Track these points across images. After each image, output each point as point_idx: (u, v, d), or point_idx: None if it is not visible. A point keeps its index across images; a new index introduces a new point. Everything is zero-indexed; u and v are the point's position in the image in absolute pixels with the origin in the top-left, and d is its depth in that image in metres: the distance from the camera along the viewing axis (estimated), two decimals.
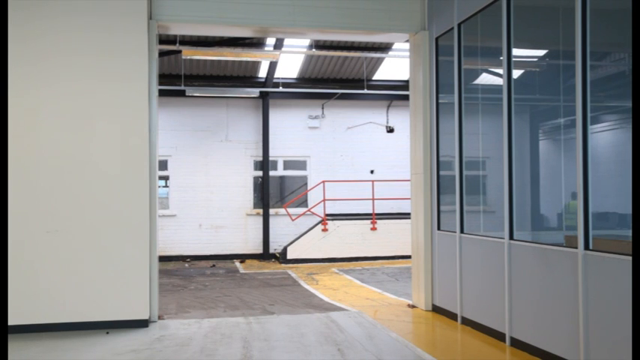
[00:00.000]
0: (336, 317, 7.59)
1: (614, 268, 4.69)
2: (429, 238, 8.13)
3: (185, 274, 12.82)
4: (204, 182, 15.79)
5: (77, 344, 6.36)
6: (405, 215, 14.76)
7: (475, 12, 6.96)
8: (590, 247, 5.02)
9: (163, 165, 15.52)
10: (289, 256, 14.75)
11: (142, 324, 7.10)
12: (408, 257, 13.01)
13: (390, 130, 16.61)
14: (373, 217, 15.24)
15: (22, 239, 6.85)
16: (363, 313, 7.86)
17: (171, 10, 7.54)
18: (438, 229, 7.95)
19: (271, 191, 16.10)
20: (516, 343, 6.09)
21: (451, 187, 7.58)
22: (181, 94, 14.57)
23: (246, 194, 16.01)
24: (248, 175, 16.06)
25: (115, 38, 7.15)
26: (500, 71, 6.41)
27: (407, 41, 8.55)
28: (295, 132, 16.33)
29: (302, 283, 11.41)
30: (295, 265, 14.42)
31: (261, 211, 15.91)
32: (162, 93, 13.28)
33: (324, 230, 14.90)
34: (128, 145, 7.14)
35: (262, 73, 15.41)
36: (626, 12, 4.59)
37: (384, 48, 14.18)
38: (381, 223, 15.17)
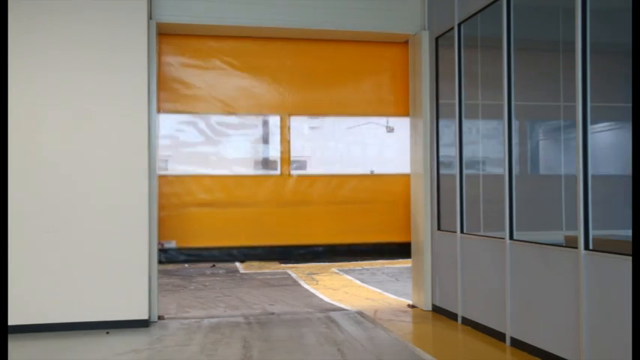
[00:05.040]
0: (336, 317, 7.60)
1: (614, 268, 4.69)
2: (429, 238, 8.13)
3: (185, 274, 12.82)
4: None
5: (77, 344, 6.36)
6: None
7: (475, 12, 6.96)
8: (590, 247, 5.02)
9: (163, 165, 15.48)
10: None
11: (142, 324, 7.10)
12: (408, 257, 12.98)
13: (390, 130, 16.58)
14: None
15: (22, 239, 6.84)
16: (363, 313, 7.86)
17: (172, 10, 7.54)
18: (438, 229, 7.94)
19: None
20: (516, 343, 6.08)
21: (451, 187, 7.57)
22: None
23: None
24: None
25: (115, 38, 7.13)
26: (500, 71, 6.40)
27: (407, 41, 8.54)
28: (295, 132, 16.29)
29: (302, 283, 11.41)
30: (295, 265, 14.42)
31: None
32: None
33: None
34: (128, 145, 7.14)
35: None
36: (626, 12, 4.58)
37: None
38: None
